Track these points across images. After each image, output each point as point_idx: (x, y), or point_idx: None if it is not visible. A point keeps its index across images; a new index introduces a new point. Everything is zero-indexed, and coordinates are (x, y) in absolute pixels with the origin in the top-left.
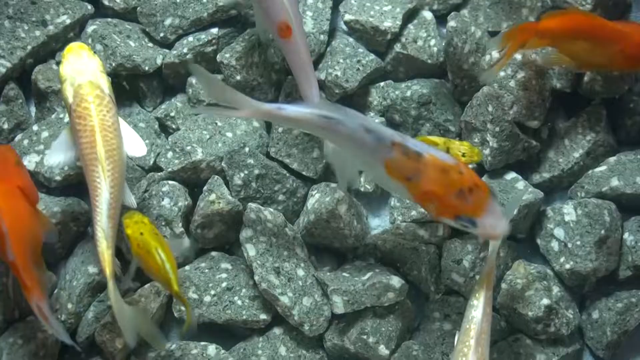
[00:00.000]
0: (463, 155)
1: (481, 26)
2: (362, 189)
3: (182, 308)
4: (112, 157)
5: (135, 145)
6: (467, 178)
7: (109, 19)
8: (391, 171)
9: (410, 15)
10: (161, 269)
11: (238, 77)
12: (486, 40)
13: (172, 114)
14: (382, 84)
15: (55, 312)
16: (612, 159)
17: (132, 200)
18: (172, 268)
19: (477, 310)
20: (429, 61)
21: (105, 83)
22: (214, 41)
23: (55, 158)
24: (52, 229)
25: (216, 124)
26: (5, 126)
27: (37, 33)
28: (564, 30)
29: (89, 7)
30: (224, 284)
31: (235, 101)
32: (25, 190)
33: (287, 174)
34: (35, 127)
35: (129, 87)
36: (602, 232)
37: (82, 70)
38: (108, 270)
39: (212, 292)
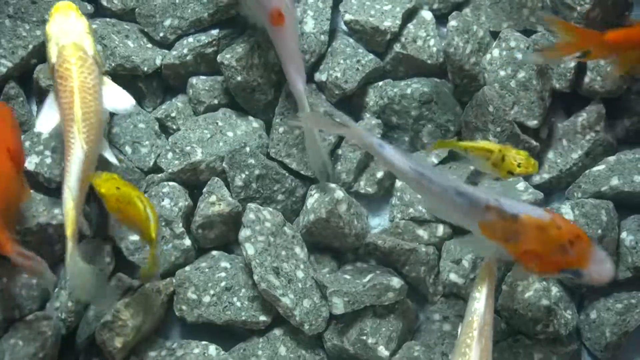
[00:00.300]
0: (519, 165)
1: (483, 26)
2: (362, 191)
3: (184, 307)
4: (89, 119)
5: (121, 100)
6: (566, 231)
7: (108, 19)
8: (486, 232)
9: (409, 15)
10: (142, 213)
11: (239, 78)
12: (488, 40)
13: (173, 115)
14: (380, 83)
15: (55, 310)
16: (611, 159)
17: (114, 159)
18: (153, 214)
19: (480, 302)
20: (429, 61)
21: (89, 44)
22: (214, 42)
23: (46, 121)
24: (31, 200)
25: (217, 123)
26: None
27: (38, 32)
28: (630, 42)
29: (89, 7)
30: (222, 284)
31: (344, 121)
32: (13, 154)
33: (286, 174)
34: (36, 129)
35: (139, 84)
36: (599, 231)
37: (68, 31)
38: (69, 231)
39: (212, 292)
